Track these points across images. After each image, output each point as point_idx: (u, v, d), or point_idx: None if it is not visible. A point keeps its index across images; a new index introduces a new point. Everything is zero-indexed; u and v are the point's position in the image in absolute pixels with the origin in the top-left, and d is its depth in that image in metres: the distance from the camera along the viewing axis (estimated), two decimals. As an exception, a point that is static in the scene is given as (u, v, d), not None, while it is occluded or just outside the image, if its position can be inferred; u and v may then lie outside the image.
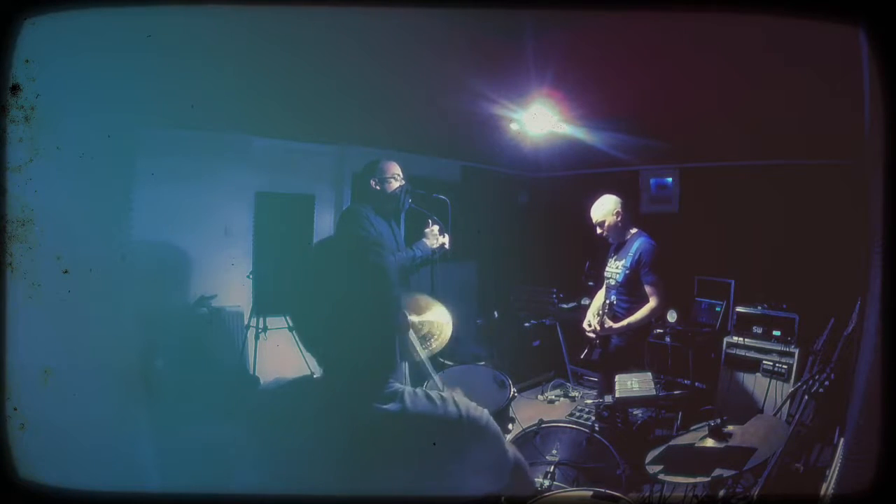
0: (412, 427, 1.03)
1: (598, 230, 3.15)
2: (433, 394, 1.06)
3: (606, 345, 3.15)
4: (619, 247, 3.17)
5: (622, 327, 3.04)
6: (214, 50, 2.14)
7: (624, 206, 3.14)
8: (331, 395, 1.05)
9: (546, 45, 2.51)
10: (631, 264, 3.04)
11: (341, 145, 4.05)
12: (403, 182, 2.86)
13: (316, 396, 1.07)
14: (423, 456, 1.03)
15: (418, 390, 1.07)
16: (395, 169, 2.86)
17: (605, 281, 3.22)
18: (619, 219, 3.11)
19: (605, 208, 3.12)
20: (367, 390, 1.03)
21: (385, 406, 1.02)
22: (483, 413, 1.09)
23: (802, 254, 3.85)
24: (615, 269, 3.14)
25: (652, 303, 3.01)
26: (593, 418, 2.63)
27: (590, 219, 3.19)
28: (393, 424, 1.02)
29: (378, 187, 2.83)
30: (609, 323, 3.05)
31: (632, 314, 3.04)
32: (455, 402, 1.07)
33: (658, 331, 3.83)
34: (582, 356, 3.29)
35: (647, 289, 3.02)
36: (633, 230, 3.14)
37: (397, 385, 1.05)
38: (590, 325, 3.17)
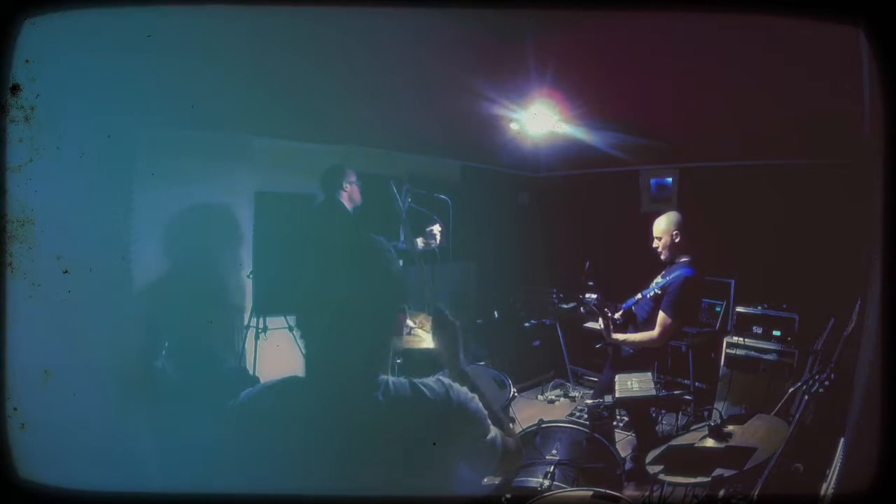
0: (397, 414, 1.05)
1: (655, 243, 3.10)
2: (417, 380, 1.09)
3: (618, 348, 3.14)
4: (666, 266, 3.12)
5: (618, 340, 3.03)
6: (214, 50, 2.14)
7: (685, 227, 3.06)
8: (323, 391, 1.07)
9: (546, 45, 2.51)
10: (662, 286, 3.02)
11: (341, 145, 4.05)
12: (359, 186, 3.20)
13: (306, 394, 1.08)
14: (413, 443, 1.04)
15: (402, 378, 1.09)
16: (352, 176, 3.21)
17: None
18: (676, 239, 3.05)
19: (665, 224, 3.08)
20: (360, 384, 1.06)
21: (371, 396, 1.04)
22: (469, 395, 1.12)
23: (802, 254, 3.84)
24: (654, 283, 3.12)
25: (653, 333, 2.97)
26: (585, 417, 2.63)
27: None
28: (382, 413, 1.04)
29: (339, 193, 3.14)
30: (611, 329, 3.04)
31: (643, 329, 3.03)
32: (444, 384, 1.09)
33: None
34: (598, 346, 3.24)
35: (658, 317, 2.97)
36: (685, 258, 3.06)
37: (382, 376, 1.08)
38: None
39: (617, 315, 3.12)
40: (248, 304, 3.57)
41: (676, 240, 3.04)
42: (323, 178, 3.34)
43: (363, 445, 1.03)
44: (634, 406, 2.90)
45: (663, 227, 3.07)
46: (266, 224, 3.58)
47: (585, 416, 2.66)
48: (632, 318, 3.12)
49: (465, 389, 1.12)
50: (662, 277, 3.08)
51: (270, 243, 3.59)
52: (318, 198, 3.53)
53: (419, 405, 1.06)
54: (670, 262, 3.08)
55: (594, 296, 3.46)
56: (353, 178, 3.23)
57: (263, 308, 3.52)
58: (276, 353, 3.53)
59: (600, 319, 3.09)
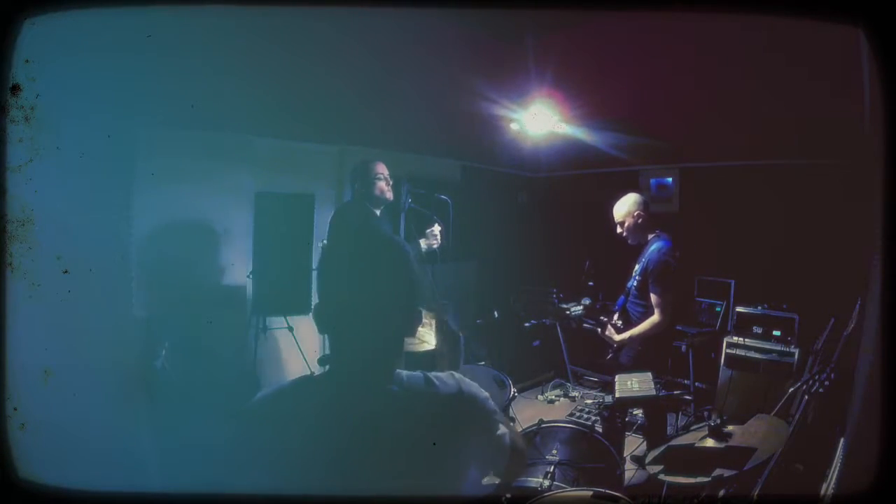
0: (411, 406, 1.07)
1: (619, 230, 3.02)
2: (430, 374, 1.12)
3: (622, 350, 3.06)
4: (640, 249, 3.03)
5: (624, 340, 2.96)
6: (214, 50, 2.14)
7: (644, 205, 2.99)
8: (336, 385, 1.09)
9: (546, 45, 2.51)
10: (641, 270, 2.93)
11: (341, 145, 4.05)
12: (391, 182, 2.93)
13: (318, 392, 1.10)
14: (422, 434, 1.07)
15: (416, 372, 1.12)
16: (381, 169, 2.91)
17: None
18: (638, 220, 2.96)
19: (624, 208, 2.99)
20: (378, 377, 1.08)
21: (387, 388, 1.07)
22: (481, 391, 1.15)
23: (802, 254, 3.84)
24: (634, 272, 3.03)
25: (654, 317, 2.88)
26: (594, 418, 2.62)
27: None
28: (394, 405, 1.06)
29: (363, 189, 2.91)
30: (612, 332, 2.99)
31: (643, 321, 2.94)
32: (455, 378, 1.12)
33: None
34: (608, 358, 3.16)
35: (652, 299, 2.88)
36: (653, 234, 2.98)
37: (398, 371, 1.11)
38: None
39: (615, 318, 3.08)
40: (249, 304, 3.57)
41: (639, 220, 2.97)
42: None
43: (378, 438, 1.05)
44: (652, 408, 2.89)
45: (624, 210, 2.99)
46: (266, 224, 3.58)
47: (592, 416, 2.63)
48: (629, 317, 3.06)
49: (475, 384, 1.14)
50: (639, 263, 3.01)
51: (270, 243, 3.59)
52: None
53: (432, 397, 1.08)
54: (642, 244, 3.01)
55: (579, 308, 3.41)
56: (375, 176, 2.98)
57: (263, 308, 3.52)
58: (276, 353, 3.53)
59: (599, 331, 3.05)
